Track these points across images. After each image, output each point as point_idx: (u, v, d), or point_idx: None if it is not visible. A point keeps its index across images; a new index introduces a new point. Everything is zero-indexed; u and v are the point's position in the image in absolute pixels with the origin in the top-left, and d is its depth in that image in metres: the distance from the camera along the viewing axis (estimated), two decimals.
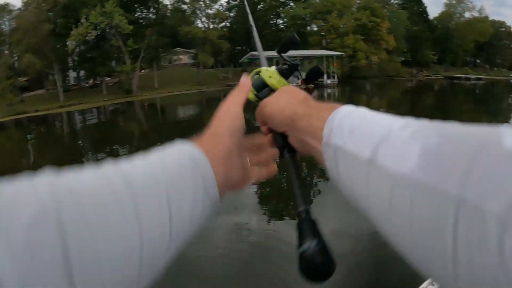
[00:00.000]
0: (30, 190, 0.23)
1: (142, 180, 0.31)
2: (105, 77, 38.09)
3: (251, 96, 0.54)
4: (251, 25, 0.78)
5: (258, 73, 0.57)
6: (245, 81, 0.51)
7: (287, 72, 0.56)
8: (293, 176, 0.48)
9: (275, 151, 0.51)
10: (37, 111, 29.79)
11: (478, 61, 59.29)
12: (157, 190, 0.31)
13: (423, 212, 0.24)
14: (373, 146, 0.29)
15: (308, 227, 0.38)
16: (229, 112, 0.46)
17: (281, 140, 0.50)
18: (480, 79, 40.02)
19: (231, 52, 43.79)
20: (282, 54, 0.58)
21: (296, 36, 0.57)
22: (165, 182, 0.32)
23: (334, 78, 34.14)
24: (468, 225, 0.21)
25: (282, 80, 0.55)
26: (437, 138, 0.25)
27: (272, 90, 0.54)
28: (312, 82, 0.59)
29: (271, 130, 0.52)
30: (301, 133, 0.41)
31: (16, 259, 0.20)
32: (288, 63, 0.56)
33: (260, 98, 0.54)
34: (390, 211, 0.27)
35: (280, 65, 0.57)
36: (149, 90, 36.42)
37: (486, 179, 0.20)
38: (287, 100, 0.46)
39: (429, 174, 0.24)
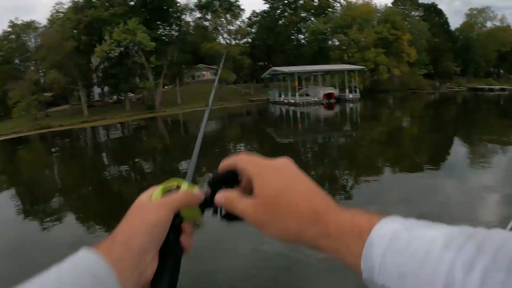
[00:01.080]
0: None
1: None
2: (129, 93, 38.71)
3: (186, 213, 0.45)
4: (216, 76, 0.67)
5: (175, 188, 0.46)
6: (198, 195, 0.46)
7: (206, 205, 0.46)
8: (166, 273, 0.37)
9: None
10: (61, 125, 30.39)
11: (501, 71, 58.00)
12: None
13: None
14: None
15: None
16: (154, 214, 0.41)
17: (174, 238, 0.42)
18: (504, 89, 39.12)
19: (252, 68, 43.92)
20: (212, 185, 0.47)
21: (233, 173, 0.46)
22: None
23: (356, 92, 33.94)
24: None
25: (198, 212, 0.46)
26: None
27: (178, 215, 0.44)
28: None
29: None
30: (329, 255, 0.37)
31: None
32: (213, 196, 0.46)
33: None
34: None
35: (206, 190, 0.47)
36: (172, 106, 36.79)
37: None
38: (292, 219, 0.38)
39: None
